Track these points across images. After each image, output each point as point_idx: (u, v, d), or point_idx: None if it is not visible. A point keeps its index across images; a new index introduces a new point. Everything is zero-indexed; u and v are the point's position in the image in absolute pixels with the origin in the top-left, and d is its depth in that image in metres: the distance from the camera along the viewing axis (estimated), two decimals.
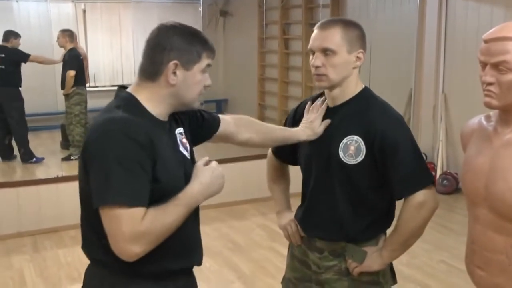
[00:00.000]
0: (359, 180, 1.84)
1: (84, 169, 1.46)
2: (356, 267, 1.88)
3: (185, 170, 1.57)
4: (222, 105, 9.61)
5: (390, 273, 1.97)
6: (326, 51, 1.79)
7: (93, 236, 1.51)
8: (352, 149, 1.82)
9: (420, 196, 1.77)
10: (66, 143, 7.01)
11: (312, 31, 1.87)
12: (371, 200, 1.87)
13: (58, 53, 6.78)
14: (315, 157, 1.93)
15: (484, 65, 1.52)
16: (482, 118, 1.69)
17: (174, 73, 1.49)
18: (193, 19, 9.10)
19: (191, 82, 1.52)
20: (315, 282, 1.98)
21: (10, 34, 6.43)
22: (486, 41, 1.51)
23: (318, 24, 1.86)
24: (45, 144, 7.13)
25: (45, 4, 7.05)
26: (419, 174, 1.81)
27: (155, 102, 1.52)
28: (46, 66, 6.83)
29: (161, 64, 1.49)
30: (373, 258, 1.87)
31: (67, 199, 4.71)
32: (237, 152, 4.08)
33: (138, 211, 1.38)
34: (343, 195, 1.87)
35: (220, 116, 1.86)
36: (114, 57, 9.12)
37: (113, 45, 9.10)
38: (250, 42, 8.72)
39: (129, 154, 1.38)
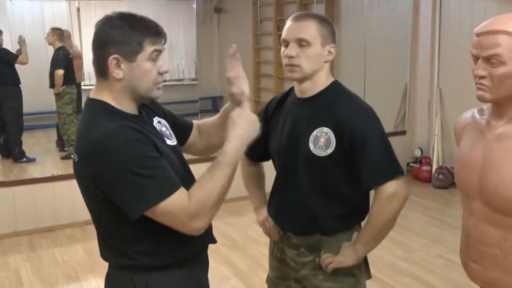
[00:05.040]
0: (329, 172, 1.84)
1: (94, 186, 1.44)
2: (330, 264, 1.87)
3: (176, 156, 1.60)
4: (217, 102, 9.58)
5: (364, 266, 1.97)
6: (301, 42, 1.80)
7: (117, 244, 1.55)
8: (322, 141, 1.82)
9: (390, 187, 1.76)
10: (61, 142, 6.98)
11: None
12: (343, 192, 1.87)
13: (52, 52, 6.74)
14: (284, 150, 1.93)
15: (476, 58, 1.52)
16: (475, 111, 1.69)
17: (119, 66, 1.45)
18: (187, 16, 9.08)
19: (139, 73, 1.47)
20: (294, 280, 2.00)
21: None
22: (477, 35, 1.51)
23: (292, 17, 1.88)
24: (41, 143, 7.09)
25: (39, 2, 7.01)
26: (388, 165, 1.80)
27: (118, 100, 1.50)
28: (41, 64, 6.77)
29: (104, 60, 1.46)
30: (346, 254, 1.86)
31: (63, 198, 4.71)
32: None
33: (180, 193, 1.42)
34: (314, 187, 1.87)
35: (194, 122, 1.85)
36: None
37: None
38: (244, 38, 8.70)
39: (141, 154, 1.41)
